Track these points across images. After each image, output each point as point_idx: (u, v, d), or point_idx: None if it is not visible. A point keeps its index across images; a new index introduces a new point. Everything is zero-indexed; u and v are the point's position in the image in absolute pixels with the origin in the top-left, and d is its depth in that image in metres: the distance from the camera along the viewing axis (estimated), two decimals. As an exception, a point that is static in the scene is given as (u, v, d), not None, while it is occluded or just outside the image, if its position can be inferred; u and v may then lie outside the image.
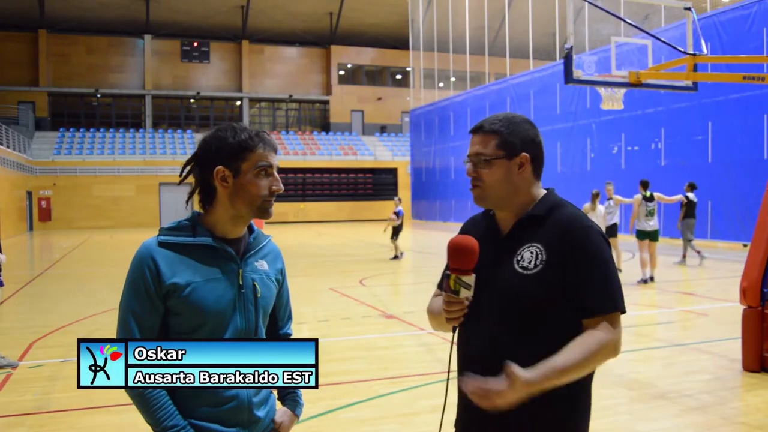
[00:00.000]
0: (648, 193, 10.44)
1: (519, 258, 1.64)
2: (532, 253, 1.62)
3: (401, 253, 15.35)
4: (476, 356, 1.67)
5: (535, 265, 1.60)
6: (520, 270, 1.62)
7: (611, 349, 1.56)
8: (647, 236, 10.40)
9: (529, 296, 1.59)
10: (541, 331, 1.60)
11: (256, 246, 1.79)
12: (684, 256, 12.94)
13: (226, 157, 1.67)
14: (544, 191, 1.75)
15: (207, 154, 1.70)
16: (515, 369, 1.46)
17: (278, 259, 1.88)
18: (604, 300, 1.58)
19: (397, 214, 15.19)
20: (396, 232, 15.17)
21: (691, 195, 12.62)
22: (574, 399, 1.64)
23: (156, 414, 1.60)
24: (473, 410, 1.64)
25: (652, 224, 10.45)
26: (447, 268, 1.62)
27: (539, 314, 1.60)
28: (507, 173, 1.68)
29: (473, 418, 1.70)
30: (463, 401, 1.73)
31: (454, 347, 1.73)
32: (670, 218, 16.24)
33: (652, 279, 10.31)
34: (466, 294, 1.60)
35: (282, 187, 1.73)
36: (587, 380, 1.65)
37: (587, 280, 1.58)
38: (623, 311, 1.60)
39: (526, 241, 1.65)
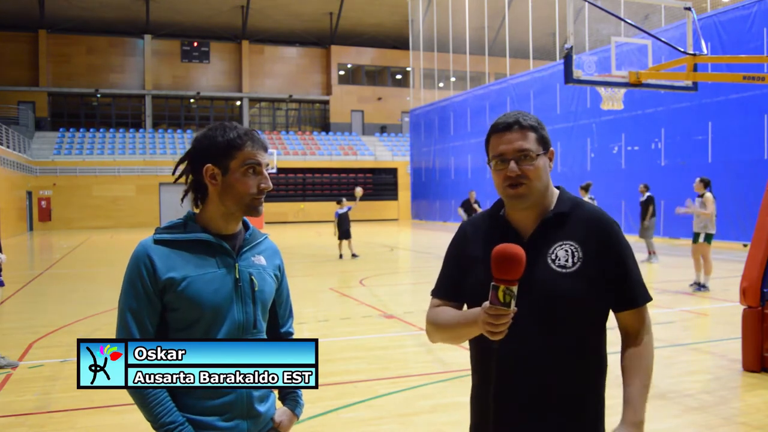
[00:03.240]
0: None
1: (553, 257, 1.62)
2: (567, 251, 1.61)
3: (352, 255, 15.28)
4: (518, 359, 1.61)
5: (573, 263, 1.60)
6: (558, 269, 1.60)
7: (651, 338, 1.69)
8: (712, 239, 9.55)
9: (570, 294, 1.59)
10: (579, 326, 1.62)
11: (253, 241, 1.81)
12: (650, 253, 13.18)
13: (214, 156, 1.70)
14: (557, 188, 1.74)
15: (198, 153, 1.73)
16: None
17: (276, 255, 1.88)
18: (643, 292, 1.66)
19: (336, 215, 15.11)
20: (341, 232, 15.03)
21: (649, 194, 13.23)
22: (600, 401, 1.69)
23: (154, 410, 1.61)
24: (495, 416, 1.65)
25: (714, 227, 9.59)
26: (492, 279, 1.48)
27: (578, 311, 1.61)
28: (545, 168, 1.68)
29: (496, 425, 1.67)
30: (481, 407, 1.71)
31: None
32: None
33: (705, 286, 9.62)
34: (514, 305, 1.49)
35: (271, 185, 1.74)
36: (604, 380, 1.71)
37: (628, 273, 1.64)
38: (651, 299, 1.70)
39: (557, 240, 1.64)
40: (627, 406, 1.58)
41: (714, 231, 9.52)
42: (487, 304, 1.49)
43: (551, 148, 1.70)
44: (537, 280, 1.60)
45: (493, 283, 1.49)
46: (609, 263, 1.62)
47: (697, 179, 9.81)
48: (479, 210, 14.25)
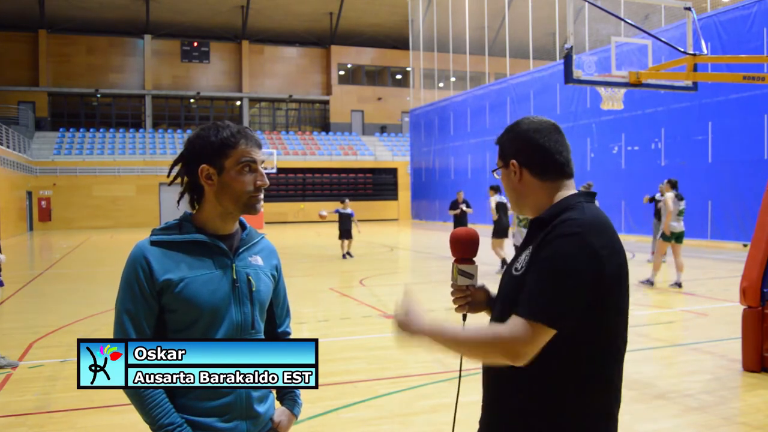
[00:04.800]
0: (677, 192, 10.06)
1: (517, 260, 1.65)
2: (526, 255, 1.63)
3: (346, 254, 15.43)
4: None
5: (521, 267, 1.61)
6: (514, 272, 1.63)
7: (506, 348, 1.47)
8: (673, 237, 9.90)
9: (512, 298, 1.57)
10: None
11: (249, 242, 1.80)
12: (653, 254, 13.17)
13: (209, 156, 1.69)
14: (570, 193, 1.66)
15: (191, 154, 1.72)
16: (407, 316, 1.58)
17: (273, 255, 1.88)
18: (527, 302, 1.49)
19: (336, 211, 15.44)
20: (342, 232, 15.34)
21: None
22: (569, 414, 1.54)
23: (152, 412, 1.61)
24: (482, 411, 1.71)
25: (681, 225, 9.98)
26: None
27: None
28: (508, 181, 1.73)
29: (482, 420, 1.74)
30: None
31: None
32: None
33: (680, 285, 9.83)
34: (464, 282, 1.71)
35: (267, 181, 1.73)
36: (581, 392, 1.55)
37: (531, 280, 1.52)
38: (549, 324, 1.46)
39: (529, 245, 1.66)
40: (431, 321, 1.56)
41: (677, 230, 9.97)
42: None
43: (512, 160, 1.68)
44: (503, 281, 1.70)
45: (452, 263, 1.77)
46: (528, 266, 1.56)
47: (665, 180, 10.38)
48: (465, 209, 14.34)
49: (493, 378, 1.65)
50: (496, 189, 12.70)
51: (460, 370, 1.77)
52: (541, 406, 1.54)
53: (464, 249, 1.74)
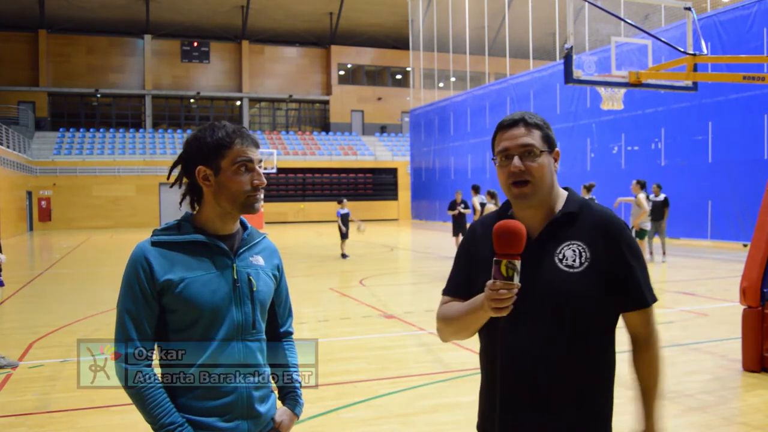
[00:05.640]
0: (647, 193, 10.66)
1: (561, 257, 1.62)
2: (574, 251, 1.61)
3: (343, 254, 15.51)
4: (525, 356, 1.62)
5: (581, 263, 1.60)
6: (566, 269, 1.60)
7: (658, 341, 1.70)
8: (645, 235, 10.54)
9: (577, 294, 1.59)
10: (585, 325, 1.61)
11: (251, 242, 1.80)
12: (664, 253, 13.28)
13: (205, 156, 1.70)
14: (565, 190, 1.75)
15: (189, 155, 1.73)
16: None
17: (274, 255, 1.88)
18: (648, 293, 1.65)
19: (338, 214, 15.53)
20: (342, 232, 15.48)
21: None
22: (607, 399, 1.72)
23: (153, 411, 1.61)
24: (501, 410, 1.65)
25: (648, 225, 10.70)
26: (493, 255, 1.53)
27: (585, 310, 1.60)
28: (550, 167, 1.68)
29: (507, 420, 1.66)
30: (489, 401, 1.71)
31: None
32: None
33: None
34: (517, 279, 1.52)
35: (264, 180, 1.74)
36: (612, 379, 1.72)
37: (634, 274, 1.63)
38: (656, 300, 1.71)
39: (564, 240, 1.63)
40: (647, 418, 1.68)
41: (647, 228, 10.66)
42: (490, 282, 1.53)
43: (557, 149, 1.72)
44: (544, 280, 1.61)
45: (495, 259, 1.53)
46: (615, 264, 1.61)
47: (634, 181, 10.96)
48: (462, 211, 14.36)
49: (550, 366, 1.60)
50: (477, 189, 13.32)
51: (498, 367, 1.76)
52: (604, 389, 1.69)
53: (516, 243, 1.52)
